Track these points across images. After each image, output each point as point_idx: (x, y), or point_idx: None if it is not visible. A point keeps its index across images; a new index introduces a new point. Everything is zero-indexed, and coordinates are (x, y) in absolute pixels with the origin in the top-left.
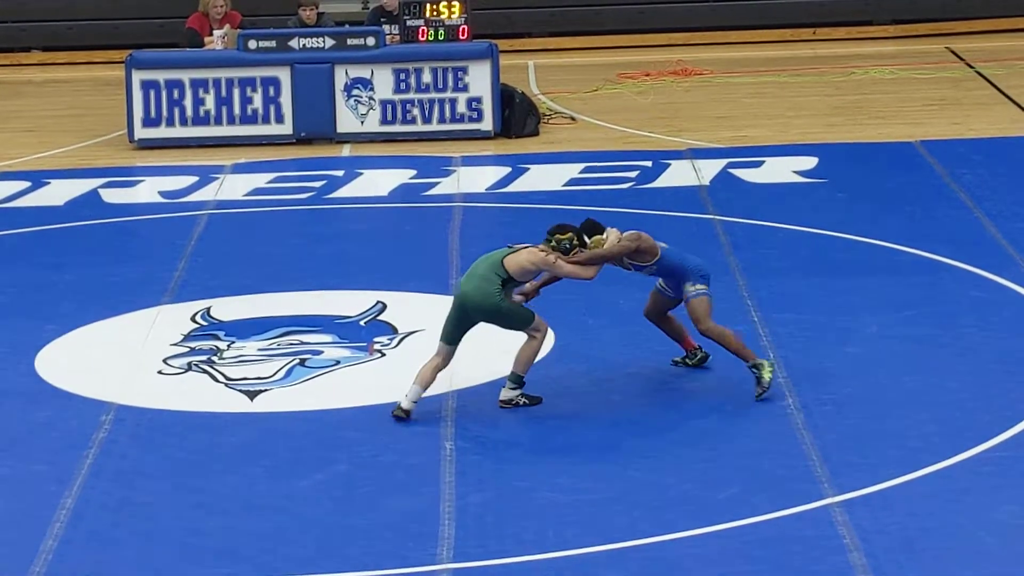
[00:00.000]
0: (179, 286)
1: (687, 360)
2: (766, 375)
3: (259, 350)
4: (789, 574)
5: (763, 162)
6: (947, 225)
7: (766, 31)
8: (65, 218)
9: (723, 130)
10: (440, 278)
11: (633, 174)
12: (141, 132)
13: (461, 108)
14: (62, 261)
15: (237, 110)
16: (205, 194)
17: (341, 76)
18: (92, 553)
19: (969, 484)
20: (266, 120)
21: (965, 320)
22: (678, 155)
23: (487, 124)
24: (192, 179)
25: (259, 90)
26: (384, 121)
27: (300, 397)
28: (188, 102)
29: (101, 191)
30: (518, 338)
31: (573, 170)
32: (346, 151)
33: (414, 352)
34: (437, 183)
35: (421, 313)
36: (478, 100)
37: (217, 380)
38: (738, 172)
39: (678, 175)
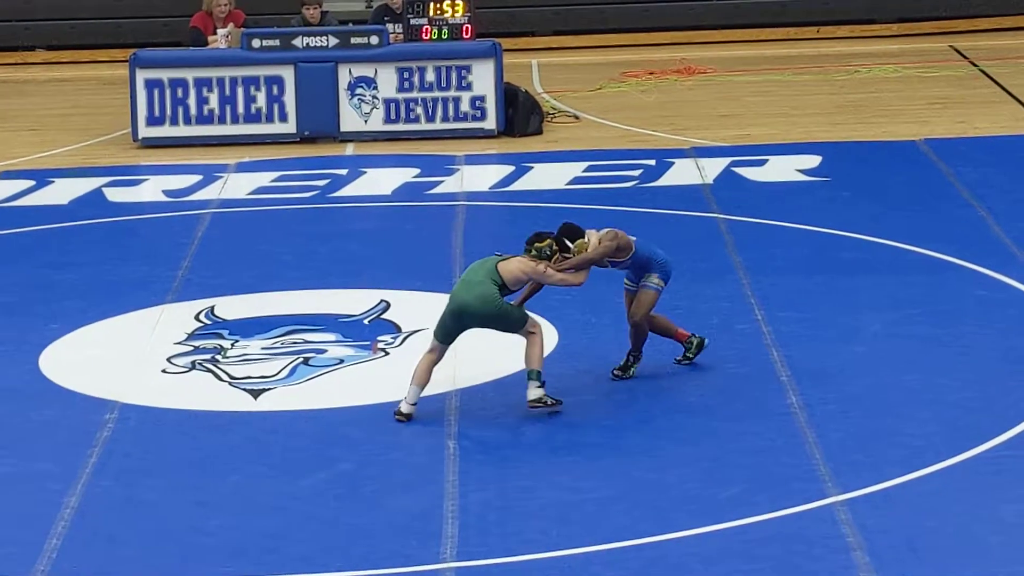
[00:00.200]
0: (183, 285)
1: (688, 355)
2: (632, 371)
3: (263, 349)
4: (792, 573)
5: (767, 160)
6: (951, 224)
7: (770, 29)
8: (69, 217)
9: (727, 128)
10: (443, 277)
11: (637, 173)
12: (145, 131)
13: (465, 107)
14: (66, 260)
15: (241, 109)
16: (209, 193)
17: (345, 75)
18: (96, 552)
19: (972, 483)
20: (270, 119)
21: (968, 319)
22: (682, 154)
23: (491, 123)
24: (196, 178)
25: (263, 89)
26: (388, 120)
27: (304, 396)
28: (192, 101)
29: (105, 190)
30: (523, 340)
31: (576, 169)
32: (350, 150)
33: (417, 351)
34: (440, 182)
35: (424, 312)
36: (482, 99)
37: (221, 379)
38: (742, 171)
39: (682, 174)
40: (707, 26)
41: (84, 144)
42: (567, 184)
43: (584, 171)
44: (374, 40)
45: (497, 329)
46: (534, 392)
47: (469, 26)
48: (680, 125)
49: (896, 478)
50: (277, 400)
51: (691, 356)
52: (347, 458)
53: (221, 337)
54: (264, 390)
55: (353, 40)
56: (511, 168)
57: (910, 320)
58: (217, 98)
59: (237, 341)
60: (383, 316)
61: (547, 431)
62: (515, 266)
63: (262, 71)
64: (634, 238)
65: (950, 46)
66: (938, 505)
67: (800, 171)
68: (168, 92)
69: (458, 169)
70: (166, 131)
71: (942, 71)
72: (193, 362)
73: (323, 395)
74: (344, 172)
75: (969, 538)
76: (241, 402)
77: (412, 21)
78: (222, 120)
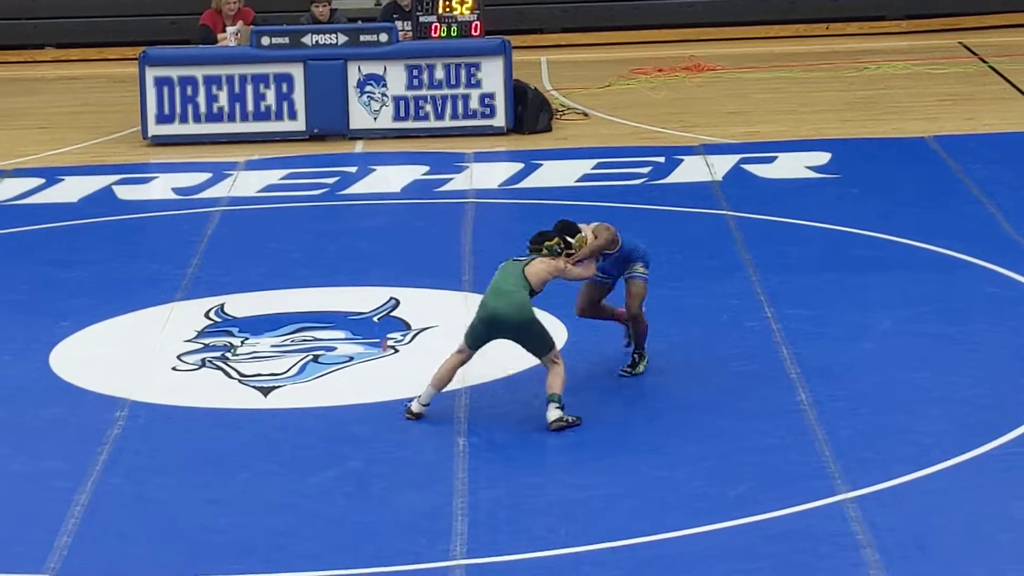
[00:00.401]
0: (192, 282)
1: (629, 349)
2: (641, 367)
3: (272, 346)
4: (801, 571)
5: (776, 158)
6: (960, 221)
7: (779, 26)
8: (79, 215)
9: (736, 126)
10: (453, 274)
11: (646, 170)
12: (155, 129)
13: (474, 104)
14: (76, 258)
15: (250, 107)
16: (218, 191)
17: (354, 72)
18: (106, 549)
19: (981, 480)
20: (279, 117)
21: (979, 316)
22: (691, 151)
23: (500, 120)
24: (205, 175)
25: (272, 87)
26: (397, 117)
27: (313, 393)
28: (201, 99)
29: (115, 188)
30: None
31: (586, 166)
32: (359, 147)
33: (427, 348)
34: (450, 179)
35: (434, 309)
36: (491, 96)
37: (231, 376)
38: (751, 168)
39: (691, 171)
40: (716, 23)
41: (93, 142)
42: (576, 181)
43: (593, 168)
44: (383, 38)
45: (524, 346)
46: (554, 414)
47: (478, 23)
48: (689, 122)
49: (906, 475)
50: (287, 398)
51: (629, 342)
52: (356, 456)
53: (231, 335)
54: (274, 387)
55: (362, 38)
56: (520, 165)
57: (920, 317)
58: (226, 96)
59: (247, 339)
60: (392, 314)
61: None
62: (540, 268)
63: (271, 69)
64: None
65: (959, 43)
66: (947, 502)
67: (809, 168)
68: (178, 90)
69: (467, 166)
70: (175, 129)
71: (951, 68)
72: (203, 360)
73: (332, 393)
74: (353, 170)
75: (978, 535)
76: (251, 400)
77: (421, 18)
78: (231, 118)
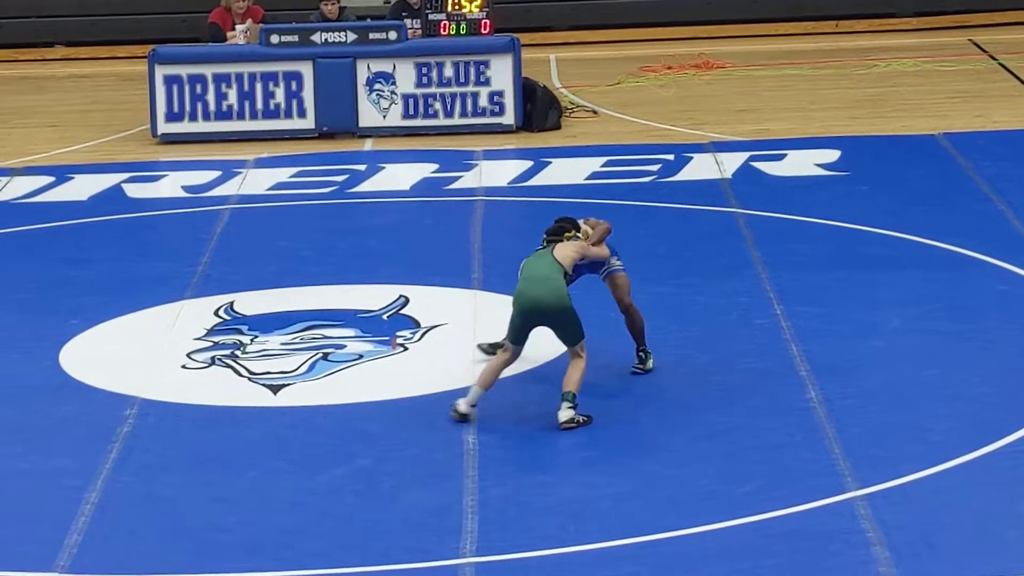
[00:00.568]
0: (202, 281)
1: None
2: (650, 363)
3: (282, 344)
4: (810, 568)
5: (785, 155)
6: (970, 218)
7: (788, 24)
8: (88, 213)
9: (745, 123)
10: (462, 272)
11: (655, 167)
12: (164, 127)
13: (483, 102)
14: (85, 256)
15: (260, 105)
16: (228, 189)
17: (363, 70)
18: (116, 547)
19: (990, 478)
20: (288, 115)
21: (989, 314)
22: (700, 148)
23: (509, 118)
24: (215, 174)
25: (281, 85)
26: (406, 115)
27: (323, 391)
28: (211, 97)
29: (124, 186)
30: (540, 337)
31: (595, 164)
32: (368, 145)
33: (437, 346)
34: (459, 177)
35: (444, 307)
36: (500, 94)
37: (240, 374)
38: (760, 165)
39: (700, 168)
40: (725, 20)
41: (103, 140)
42: (586, 179)
43: (602, 166)
44: (392, 35)
45: (559, 333)
46: (566, 413)
47: (487, 21)
48: (698, 120)
49: (915, 473)
50: (296, 396)
51: None
52: (366, 454)
53: (240, 333)
54: (283, 385)
55: (371, 36)
56: (529, 163)
57: (930, 315)
58: (236, 94)
59: (256, 337)
60: (402, 312)
61: None
62: (570, 250)
63: (281, 67)
64: None
65: (969, 40)
66: (956, 500)
67: (819, 165)
68: (187, 88)
69: (476, 164)
70: (185, 127)
71: (961, 65)
72: (212, 358)
73: (342, 390)
74: (363, 168)
75: (986, 534)
76: (260, 398)
77: (430, 16)
78: (241, 116)
